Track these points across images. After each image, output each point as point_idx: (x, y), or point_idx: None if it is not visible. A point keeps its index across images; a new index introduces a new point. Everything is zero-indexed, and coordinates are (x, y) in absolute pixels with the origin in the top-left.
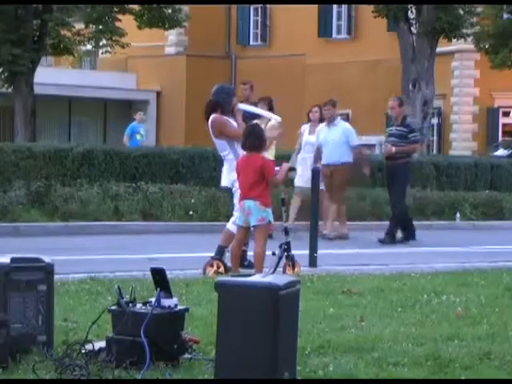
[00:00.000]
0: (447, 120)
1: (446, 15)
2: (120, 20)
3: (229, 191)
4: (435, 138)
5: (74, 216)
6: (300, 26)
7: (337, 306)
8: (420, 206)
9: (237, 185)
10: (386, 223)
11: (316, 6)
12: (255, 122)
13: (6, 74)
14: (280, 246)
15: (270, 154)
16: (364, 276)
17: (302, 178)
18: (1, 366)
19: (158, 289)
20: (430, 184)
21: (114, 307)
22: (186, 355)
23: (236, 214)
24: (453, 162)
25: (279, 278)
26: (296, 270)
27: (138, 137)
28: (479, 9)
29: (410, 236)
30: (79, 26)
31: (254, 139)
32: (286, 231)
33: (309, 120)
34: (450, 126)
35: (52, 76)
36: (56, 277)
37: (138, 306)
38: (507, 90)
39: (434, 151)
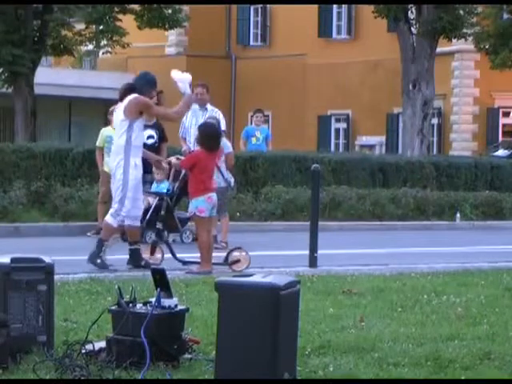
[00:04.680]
0: (447, 120)
1: (446, 15)
2: (121, 20)
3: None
4: (435, 138)
5: (74, 216)
6: (300, 26)
7: (337, 306)
8: (420, 207)
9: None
10: (387, 223)
11: (316, 5)
12: (209, 120)
13: (6, 75)
14: None
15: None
16: (364, 276)
17: None
18: (1, 367)
19: (158, 289)
20: (430, 184)
21: (114, 307)
22: (186, 355)
23: (116, 205)
24: (453, 162)
25: (279, 278)
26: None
27: (254, 140)
28: (479, 9)
29: None
30: (80, 26)
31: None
32: None
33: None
34: (450, 126)
35: (52, 76)
36: (56, 277)
37: (138, 306)
38: (507, 90)
39: (434, 151)
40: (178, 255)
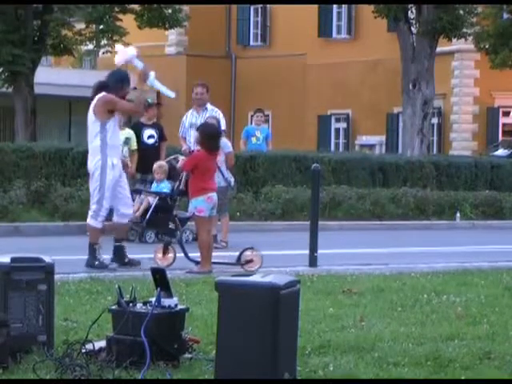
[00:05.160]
0: (447, 120)
1: (446, 15)
2: (121, 20)
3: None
4: (435, 137)
5: (74, 216)
6: (300, 26)
7: (337, 306)
8: (420, 206)
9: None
10: (387, 223)
11: (316, 5)
12: (208, 120)
13: (6, 74)
14: None
15: None
16: (364, 276)
17: None
18: (1, 366)
19: (158, 288)
20: (430, 184)
21: (114, 307)
22: (187, 355)
23: (94, 206)
24: (453, 161)
25: (279, 278)
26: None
27: (254, 140)
28: (479, 9)
29: None
30: (80, 25)
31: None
32: None
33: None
34: (450, 125)
35: (52, 76)
36: (56, 277)
37: (138, 305)
38: (507, 90)
39: (434, 151)
40: (190, 255)
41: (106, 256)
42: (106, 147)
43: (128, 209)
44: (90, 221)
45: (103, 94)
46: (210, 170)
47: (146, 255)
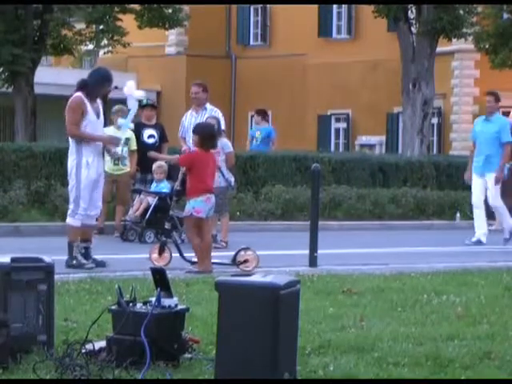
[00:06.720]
0: (447, 120)
1: (446, 15)
2: (121, 20)
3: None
4: (435, 137)
5: None
6: (300, 26)
7: (337, 306)
8: (420, 206)
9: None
10: (387, 223)
11: (316, 5)
12: (208, 120)
13: (6, 74)
14: None
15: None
16: (364, 276)
17: None
18: (1, 366)
19: (158, 288)
20: (430, 184)
21: (114, 307)
22: (187, 355)
23: (71, 205)
24: (453, 161)
25: (279, 278)
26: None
27: (254, 142)
28: (479, 9)
29: None
30: (80, 25)
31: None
32: None
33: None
34: (450, 125)
35: (52, 76)
36: (56, 277)
37: (139, 305)
38: (507, 90)
39: (434, 151)
40: (185, 255)
41: (100, 256)
42: (81, 147)
43: (96, 210)
44: (68, 219)
45: (74, 95)
46: (208, 169)
47: (145, 255)
